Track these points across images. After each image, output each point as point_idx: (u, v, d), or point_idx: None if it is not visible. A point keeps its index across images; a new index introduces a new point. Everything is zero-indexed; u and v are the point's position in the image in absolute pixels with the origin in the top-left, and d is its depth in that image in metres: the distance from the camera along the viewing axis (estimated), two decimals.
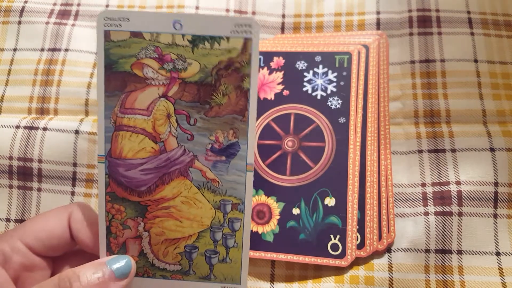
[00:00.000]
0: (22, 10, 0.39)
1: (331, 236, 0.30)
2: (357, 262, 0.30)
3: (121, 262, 0.24)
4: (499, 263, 0.30)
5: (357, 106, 0.33)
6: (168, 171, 0.25)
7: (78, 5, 0.40)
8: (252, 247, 0.31)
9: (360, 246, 0.30)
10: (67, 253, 0.27)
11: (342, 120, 0.32)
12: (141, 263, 0.26)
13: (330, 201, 0.31)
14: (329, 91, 0.33)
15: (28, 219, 0.28)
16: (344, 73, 0.33)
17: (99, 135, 0.25)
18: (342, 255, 0.30)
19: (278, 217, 0.31)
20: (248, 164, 0.25)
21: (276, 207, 0.32)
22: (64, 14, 0.39)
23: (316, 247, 0.30)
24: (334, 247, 0.30)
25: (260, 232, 0.31)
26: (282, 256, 0.30)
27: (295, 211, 0.31)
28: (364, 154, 0.32)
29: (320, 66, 0.34)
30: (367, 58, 0.34)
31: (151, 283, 0.26)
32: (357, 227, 0.30)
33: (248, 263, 0.26)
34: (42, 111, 0.36)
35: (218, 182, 0.25)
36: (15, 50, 0.38)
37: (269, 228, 0.31)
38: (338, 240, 0.30)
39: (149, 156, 0.25)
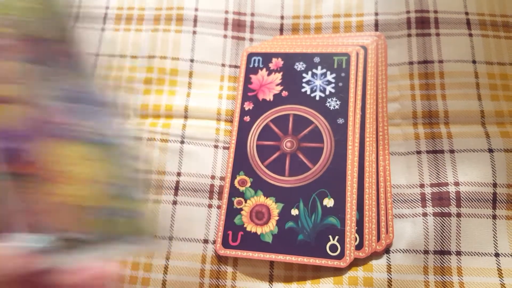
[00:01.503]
0: None
1: (330, 237, 0.30)
2: (356, 263, 0.30)
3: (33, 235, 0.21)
4: (498, 264, 0.30)
5: (355, 107, 0.33)
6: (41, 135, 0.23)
7: (79, 7, 0.40)
8: (251, 248, 0.31)
9: (359, 247, 0.30)
10: None
11: (340, 121, 0.32)
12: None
13: (328, 202, 0.31)
14: (327, 92, 0.33)
15: None
16: (343, 74, 0.33)
17: None
18: (340, 256, 0.30)
19: (277, 218, 0.31)
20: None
21: (275, 208, 0.32)
22: None
23: (314, 248, 0.30)
24: (333, 248, 0.30)
25: (259, 232, 0.31)
26: (281, 257, 0.30)
27: (294, 211, 0.31)
28: (362, 155, 0.32)
29: (319, 67, 0.34)
30: (365, 59, 0.34)
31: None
32: (356, 228, 0.30)
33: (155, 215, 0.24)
34: None
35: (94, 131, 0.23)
36: None
37: (268, 229, 0.31)
38: (337, 241, 0.30)
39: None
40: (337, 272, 0.30)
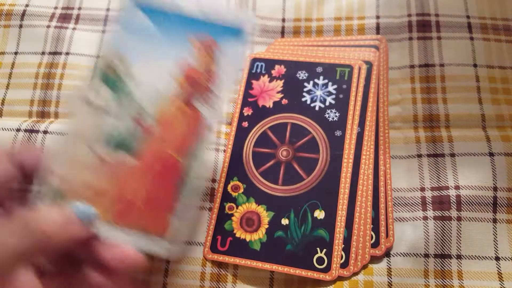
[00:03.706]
0: (23, 14, 0.39)
1: (318, 249, 0.30)
2: (342, 278, 0.30)
3: (84, 206, 0.24)
4: (498, 268, 0.30)
5: (353, 120, 0.33)
6: None
7: (79, 8, 0.40)
8: (239, 254, 0.31)
9: (344, 265, 0.30)
10: None
11: (338, 133, 0.32)
12: None
13: (319, 214, 0.31)
14: (327, 103, 0.33)
15: None
16: (344, 86, 0.33)
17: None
18: (327, 269, 0.30)
19: (266, 226, 0.31)
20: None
21: (265, 216, 0.31)
22: (65, 17, 0.39)
23: (301, 259, 0.30)
24: (320, 260, 0.30)
25: (247, 239, 0.31)
26: (267, 266, 0.30)
27: (284, 221, 0.31)
28: (357, 170, 0.32)
29: (321, 77, 0.34)
30: (369, 75, 0.33)
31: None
32: (343, 245, 0.30)
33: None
34: (43, 115, 0.36)
35: None
36: (16, 53, 0.38)
37: (257, 237, 0.31)
38: (324, 254, 0.30)
39: None
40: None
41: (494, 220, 0.31)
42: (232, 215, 0.32)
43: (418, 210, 0.31)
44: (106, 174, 0.26)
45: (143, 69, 0.27)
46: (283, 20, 0.38)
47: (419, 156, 0.33)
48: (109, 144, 0.26)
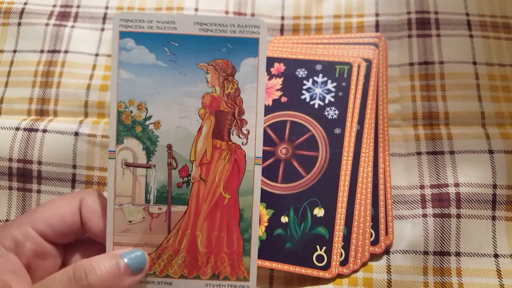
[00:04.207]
0: (22, 12, 0.39)
1: (317, 247, 0.30)
2: (341, 275, 0.30)
3: (136, 256, 0.24)
4: (497, 265, 0.30)
5: (353, 118, 0.32)
6: None
7: (78, 6, 0.40)
8: None
9: (344, 262, 0.30)
10: (78, 241, 0.27)
11: (337, 131, 0.32)
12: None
13: (319, 212, 0.31)
14: (327, 101, 0.33)
15: (39, 205, 0.28)
16: (343, 84, 0.33)
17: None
18: (326, 267, 0.30)
19: (266, 224, 0.31)
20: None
21: (265, 214, 0.31)
22: (64, 15, 0.39)
23: (301, 257, 0.30)
24: (320, 258, 0.30)
25: None
26: (267, 264, 0.30)
27: (284, 219, 0.31)
28: (356, 168, 0.32)
29: (320, 75, 0.34)
30: (368, 73, 0.33)
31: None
32: (342, 243, 0.30)
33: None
34: (42, 113, 0.36)
35: None
36: (15, 51, 0.38)
37: None
38: (324, 251, 0.30)
39: None
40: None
41: (493, 218, 0.31)
42: None
43: (418, 208, 0.31)
44: (161, 228, 0.26)
45: (163, 112, 0.26)
46: (282, 18, 0.38)
47: (419, 153, 0.33)
48: (155, 198, 0.26)
